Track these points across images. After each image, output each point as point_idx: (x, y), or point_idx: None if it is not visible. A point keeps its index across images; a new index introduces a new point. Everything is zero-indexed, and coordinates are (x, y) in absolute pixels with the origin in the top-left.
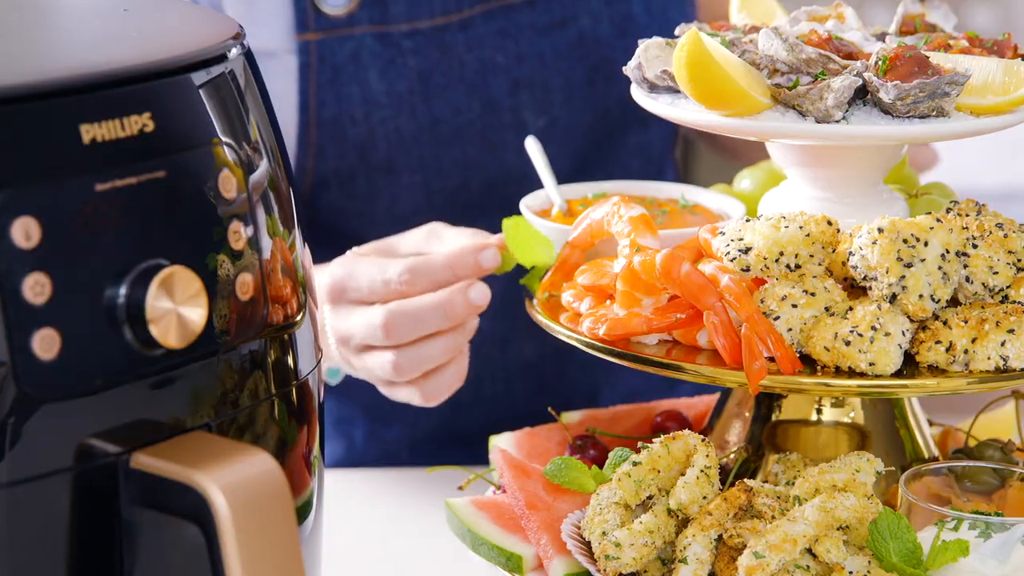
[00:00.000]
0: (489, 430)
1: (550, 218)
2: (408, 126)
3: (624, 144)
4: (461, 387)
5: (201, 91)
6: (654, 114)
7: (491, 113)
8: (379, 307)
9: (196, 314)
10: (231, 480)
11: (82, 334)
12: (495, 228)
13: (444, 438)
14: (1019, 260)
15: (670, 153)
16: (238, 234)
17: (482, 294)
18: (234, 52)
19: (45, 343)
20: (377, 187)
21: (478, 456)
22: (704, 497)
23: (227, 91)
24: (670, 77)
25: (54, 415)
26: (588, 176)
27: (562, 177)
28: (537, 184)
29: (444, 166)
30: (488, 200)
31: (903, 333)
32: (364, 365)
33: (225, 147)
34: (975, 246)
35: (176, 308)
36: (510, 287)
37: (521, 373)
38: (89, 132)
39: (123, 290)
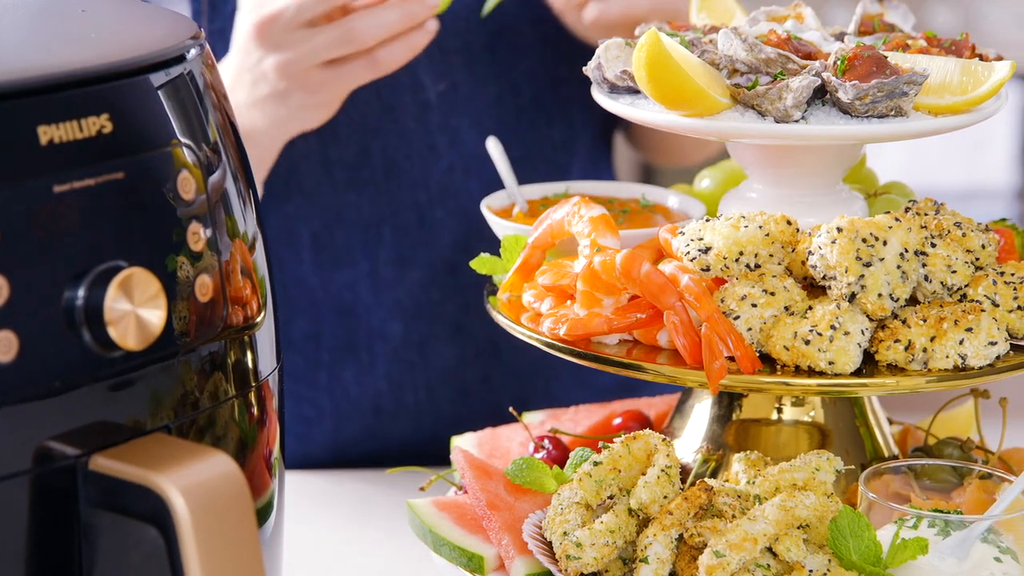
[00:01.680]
0: (415, 436)
1: (511, 218)
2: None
3: (542, 131)
4: (380, 394)
5: (160, 92)
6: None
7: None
8: None
9: (155, 316)
10: (191, 482)
11: (40, 336)
12: (400, 208)
13: (367, 443)
14: (977, 259)
15: (603, 144)
16: (197, 235)
17: None
18: (192, 53)
19: (2, 345)
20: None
21: (407, 464)
22: (665, 497)
23: (186, 92)
24: (630, 77)
25: (12, 418)
26: (511, 154)
27: (481, 152)
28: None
29: (340, 132)
30: (389, 173)
31: (862, 332)
32: (306, 48)
33: (184, 148)
34: (933, 245)
35: (135, 310)
36: (427, 290)
37: (443, 377)
38: (47, 133)
39: (81, 292)
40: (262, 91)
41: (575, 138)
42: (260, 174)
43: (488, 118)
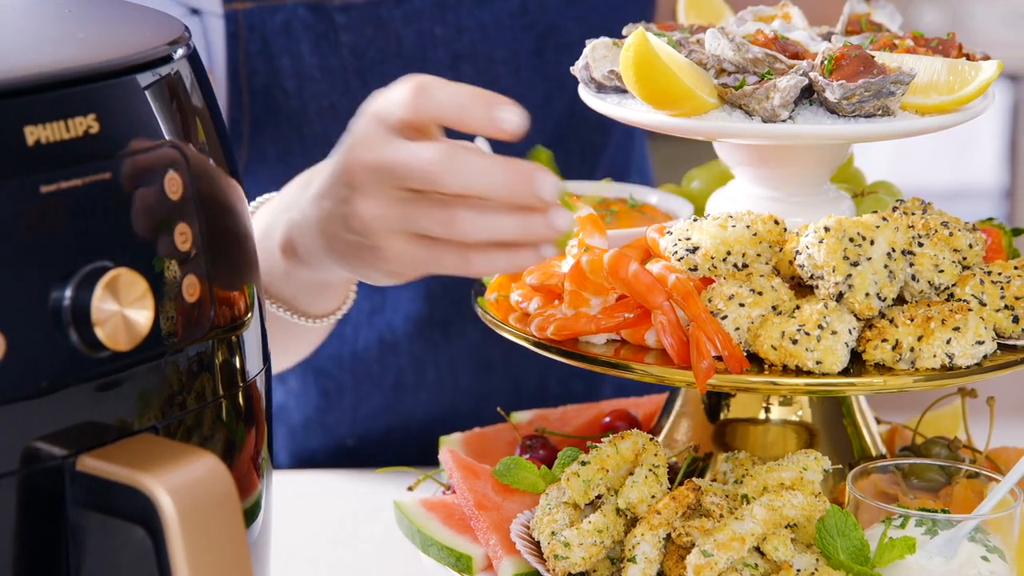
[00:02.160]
0: (436, 415)
1: None
2: (342, 102)
3: (588, 119)
4: (403, 371)
5: (147, 92)
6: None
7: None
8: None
9: (142, 316)
10: (178, 483)
11: (27, 336)
12: None
13: (387, 420)
14: (964, 258)
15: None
16: (185, 235)
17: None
18: (180, 53)
19: None
20: (315, 162)
21: (424, 445)
22: (653, 496)
23: (173, 92)
24: (617, 77)
25: None
26: (559, 153)
27: (523, 152)
28: None
29: None
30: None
31: (850, 331)
32: (401, 210)
33: (171, 148)
34: (921, 244)
35: (122, 310)
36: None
37: (466, 356)
38: (34, 134)
39: (69, 292)
40: (336, 228)
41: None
42: (335, 296)
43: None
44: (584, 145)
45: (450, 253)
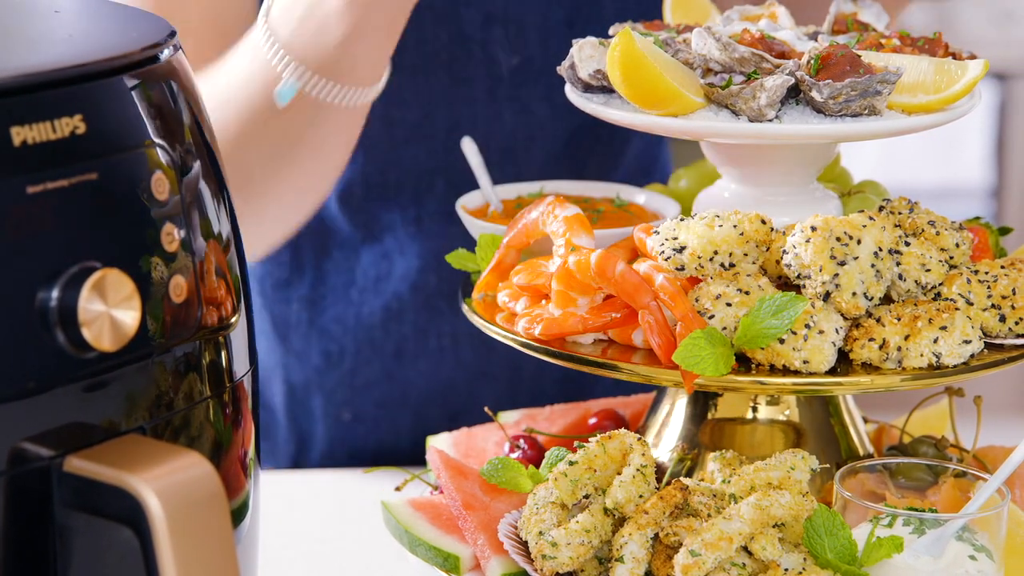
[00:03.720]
0: (433, 389)
1: (486, 218)
2: None
3: None
4: (405, 338)
5: (133, 93)
6: None
7: (459, 46)
8: None
9: (129, 317)
10: (165, 483)
11: (14, 337)
12: (458, 162)
13: (384, 391)
14: (951, 257)
15: None
16: (171, 236)
17: None
18: (167, 53)
19: None
20: None
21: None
22: (640, 496)
23: (160, 92)
24: (604, 77)
25: None
26: (586, 135)
27: (548, 124)
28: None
29: (406, 96)
30: (452, 131)
31: (837, 331)
32: None
33: (158, 149)
34: (908, 244)
35: (109, 311)
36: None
37: (468, 329)
38: (20, 134)
39: (55, 293)
40: None
41: None
42: (389, 45)
43: (559, 92)
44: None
45: None
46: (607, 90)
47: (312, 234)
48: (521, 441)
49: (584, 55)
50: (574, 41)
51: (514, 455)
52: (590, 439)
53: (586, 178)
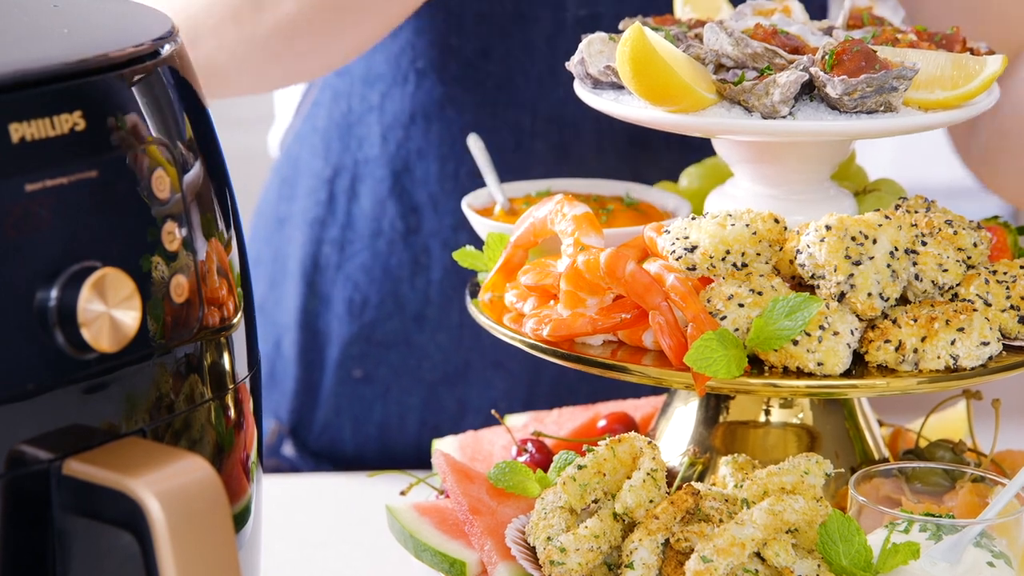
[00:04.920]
0: (447, 372)
1: (492, 216)
2: None
3: None
4: (428, 302)
5: (133, 89)
6: None
7: None
8: None
9: (129, 317)
10: (166, 487)
11: (12, 337)
12: (501, 127)
13: (398, 359)
14: (969, 257)
15: None
16: (172, 235)
17: None
18: (167, 49)
19: None
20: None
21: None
22: (651, 501)
23: (160, 89)
24: (614, 72)
25: None
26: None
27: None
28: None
29: (466, 22)
30: (502, 87)
31: (852, 332)
32: None
33: (159, 146)
34: (924, 243)
35: (109, 311)
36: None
37: None
38: (18, 131)
39: (54, 293)
40: None
41: None
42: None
43: None
44: None
45: None
46: (617, 86)
47: (346, 173)
48: (529, 444)
49: (594, 50)
50: (583, 36)
51: (522, 459)
52: (599, 443)
53: (645, 151)
